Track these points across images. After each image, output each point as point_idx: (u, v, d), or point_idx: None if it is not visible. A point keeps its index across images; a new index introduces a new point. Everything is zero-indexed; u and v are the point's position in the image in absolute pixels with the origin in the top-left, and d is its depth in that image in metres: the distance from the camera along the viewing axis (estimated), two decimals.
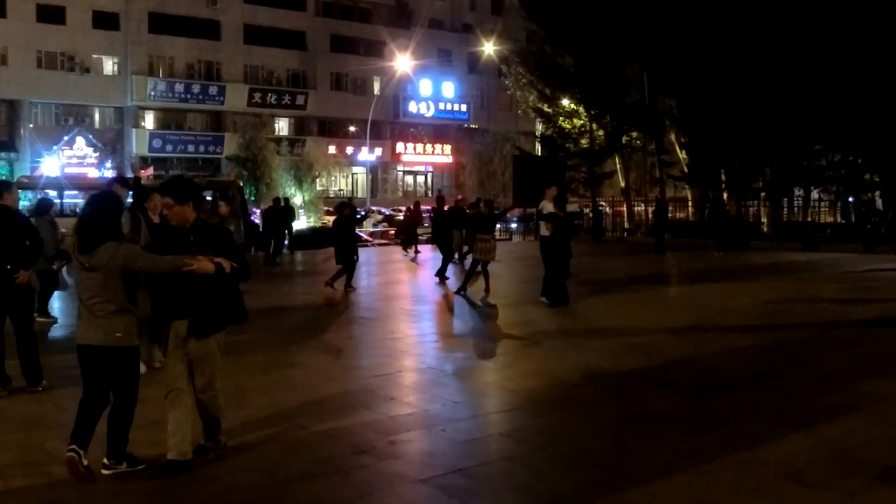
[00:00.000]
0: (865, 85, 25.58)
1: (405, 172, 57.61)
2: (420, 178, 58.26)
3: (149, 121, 47.43)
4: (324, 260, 18.93)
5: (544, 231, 12.11)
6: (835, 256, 20.89)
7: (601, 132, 35.34)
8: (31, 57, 42.61)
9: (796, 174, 30.32)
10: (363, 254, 24.18)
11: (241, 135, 44.64)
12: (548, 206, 12.04)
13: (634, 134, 35.51)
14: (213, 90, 47.59)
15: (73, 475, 4.42)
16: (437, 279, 15.13)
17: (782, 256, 21.24)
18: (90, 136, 42.30)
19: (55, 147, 40.85)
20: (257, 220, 28.97)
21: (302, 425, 5.70)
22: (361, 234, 28.35)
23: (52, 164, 38.40)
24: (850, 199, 29.03)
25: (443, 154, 56.66)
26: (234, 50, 48.59)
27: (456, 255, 18.50)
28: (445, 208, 18.36)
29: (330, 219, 21.37)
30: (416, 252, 22.44)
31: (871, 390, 6.67)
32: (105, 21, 44.53)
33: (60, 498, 4.34)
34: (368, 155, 47.46)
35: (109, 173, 39.25)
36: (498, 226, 19.78)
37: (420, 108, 54.53)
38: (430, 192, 51.41)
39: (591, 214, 31.98)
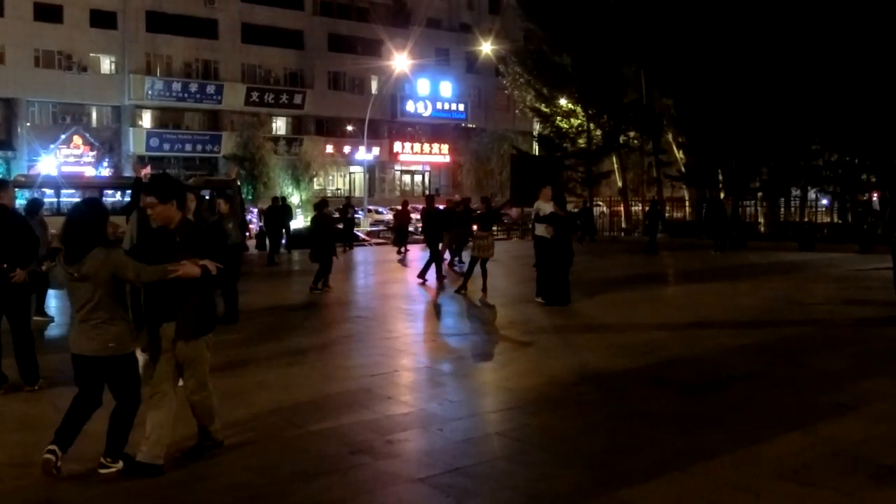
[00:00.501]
0: (863, 85, 25.61)
1: (403, 172, 57.62)
2: (417, 178, 58.26)
3: (146, 120, 47.39)
4: None
5: (542, 232, 12.06)
6: (831, 256, 20.92)
7: (598, 132, 35.37)
8: (28, 55, 42.55)
9: (793, 174, 30.35)
10: (360, 253, 24.25)
11: (239, 134, 44.72)
12: (545, 207, 12.01)
13: (632, 133, 35.53)
14: (210, 89, 47.55)
15: (45, 474, 4.42)
16: (419, 280, 15.02)
17: (779, 256, 21.27)
18: (87, 135, 42.25)
19: (52, 146, 40.80)
20: (254, 219, 29.03)
21: (299, 424, 5.69)
22: (359, 234, 28.37)
23: (49, 163, 38.36)
24: (825, 202, 29.13)
25: (440, 153, 56.68)
26: (231, 49, 48.57)
27: (448, 257, 18.50)
28: (443, 207, 18.39)
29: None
30: (405, 251, 22.49)
31: (869, 389, 6.67)
32: (102, 20, 44.48)
33: (57, 497, 4.34)
34: (366, 154, 47.43)
35: (106, 172, 39.29)
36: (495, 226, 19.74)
37: (417, 108, 54.54)
38: (427, 192, 51.39)
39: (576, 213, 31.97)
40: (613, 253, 23.29)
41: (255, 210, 31.01)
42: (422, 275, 15.14)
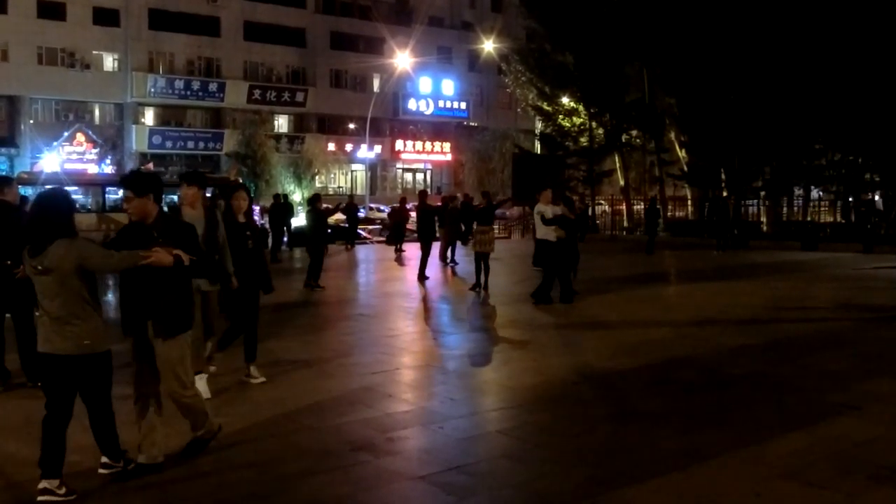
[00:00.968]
0: (865, 84, 25.58)
1: (404, 170, 57.58)
2: (419, 176, 58.23)
3: (149, 117, 47.40)
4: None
5: (545, 235, 11.99)
6: (834, 256, 20.90)
7: (601, 130, 35.36)
8: (31, 53, 42.56)
9: (796, 173, 30.33)
10: (361, 251, 24.24)
11: (241, 132, 44.74)
12: (547, 210, 11.95)
13: (634, 132, 35.53)
14: (212, 87, 47.55)
15: None
16: (419, 282, 14.99)
17: (782, 256, 21.25)
18: (90, 133, 42.23)
19: (55, 143, 40.79)
20: (255, 217, 29.02)
21: (300, 421, 5.70)
22: (361, 232, 28.35)
23: (52, 160, 38.34)
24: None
25: (442, 152, 56.64)
26: (233, 47, 48.55)
27: (449, 255, 18.50)
28: (441, 204, 18.38)
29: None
30: (402, 250, 22.53)
31: (872, 390, 6.67)
32: (105, 17, 44.47)
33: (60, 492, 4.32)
34: (368, 152, 47.38)
35: (109, 169, 39.29)
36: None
37: (419, 106, 54.49)
38: (429, 190, 51.37)
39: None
40: (613, 252, 23.27)
41: (258, 208, 31.01)
42: (421, 275, 15.15)
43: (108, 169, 39.88)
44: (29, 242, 4.29)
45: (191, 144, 47.29)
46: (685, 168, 34.04)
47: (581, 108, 35.27)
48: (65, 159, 39.41)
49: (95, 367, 4.33)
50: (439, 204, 18.60)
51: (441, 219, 17.92)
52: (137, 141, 45.46)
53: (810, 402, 6.31)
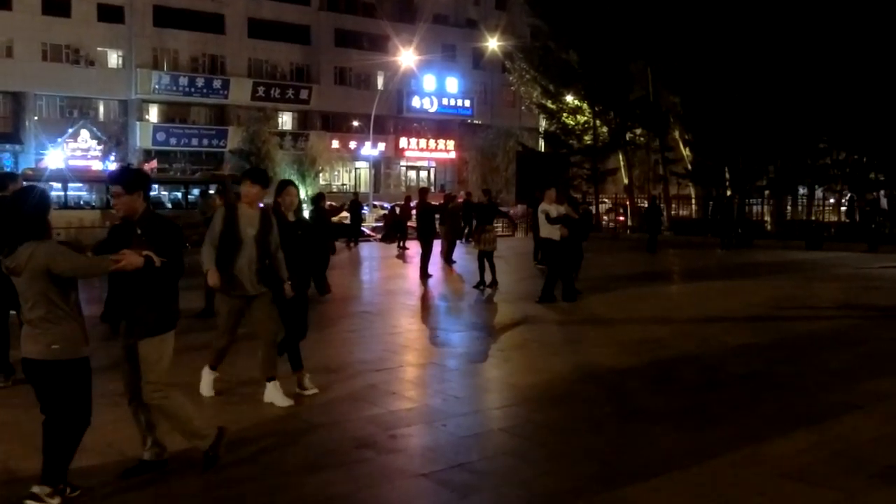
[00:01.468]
0: (870, 83, 25.51)
1: (408, 168, 57.57)
2: (423, 174, 58.22)
3: (153, 114, 47.44)
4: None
5: (549, 234, 12.00)
6: (839, 255, 20.86)
7: (605, 129, 35.30)
8: (36, 49, 42.62)
9: (800, 172, 30.26)
10: (364, 249, 24.25)
11: (245, 129, 44.77)
12: (552, 209, 11.94)
13: (638, 131, 35.46)
14: (217, 84, 47.57)
15: None
16: (421, 280, 15.02)
17: (786, 255, 21.21)
18: (94, 129, 42.27)
19: (60, 139, 40.86)
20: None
21: (304, 418, 5.71)
22: (365, 230, 28.36)
23: (56, 157, 38.41)
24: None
25: (446, 150, 56.61)
26: (238, 44, 48.57)
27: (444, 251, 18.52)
28: (445, 202, 18.40)
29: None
30: (404, 248, 22.55)
31: (875, 389, 6.66)
32: (110, 14, 44.52)
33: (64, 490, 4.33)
34: (371, 150, 47.44)
35: (113, 166, 39.35)
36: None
37: (423, 104, 54.46)
38: (433, 188, 51.36)
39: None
40: (617, 251, 23.24)
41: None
42: (423, 272, 15.16)
43: (113, 166, 39.93)
44: (3, 242, 4.15)
45: (195, 141, 47.34)
46: (689, 167, 33.98)
47: (585, 106, 35.21)
48: (69, 156, 39.47)
49: (62, 375, 4.08)
50: (441, 202, 18.63)
51: (441, 217, 17.93)
52: (141, 138, 45.52)
53: (814, 401, 6.30)
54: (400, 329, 9.84)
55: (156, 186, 26.99)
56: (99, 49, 44.79)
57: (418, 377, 7.40)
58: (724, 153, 30.29)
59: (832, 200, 33.57)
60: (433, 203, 17.80)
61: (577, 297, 11.97)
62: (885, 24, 24.94)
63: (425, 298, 13.07)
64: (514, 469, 4.78)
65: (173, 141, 46.49)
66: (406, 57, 43.19)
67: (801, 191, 32.36)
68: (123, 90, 45.36)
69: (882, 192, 29.94)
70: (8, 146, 42.37)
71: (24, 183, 7.15)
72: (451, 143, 56.28)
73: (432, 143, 56.17)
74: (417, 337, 9.43)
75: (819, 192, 32.26)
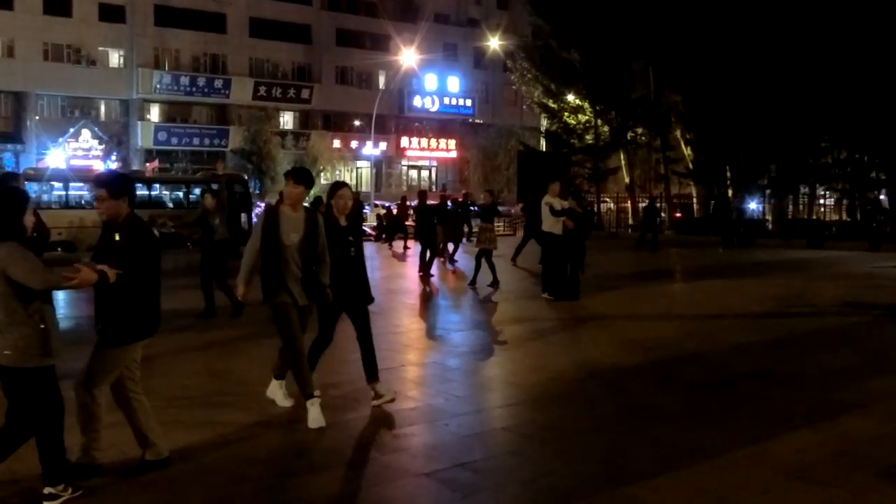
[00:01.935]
0: (871, 82, 25.49)
1: (409, 167, 57.58)
2: (424, 173, 58.23)
3: (154, 113, 47.47)
4: None
5: (550, 227, 12.02)
6: (840, 254, 20.84)
7: (606, 128, 35.30)
8: (37, 49, 42.65)
9: (802, 171, 30.25)
10: (366, 248, 24.19)
11: (246, 128, 44.81)
12: (556, 202, 11.96)
13: (639, 130, 35.47)
14: (218, 83, 47.59)
15: None
16: (420, 274, 15.10)
17: (787, 254, 21.20)
18: (96, 129, 42.31)
19: (61, 139, 40.89)
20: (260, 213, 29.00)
21: (305, 419, 5.70)
22: (365, 229, 28.34)
23: (57, 156, 38.45)
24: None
25: (447, 149, 56.62)
26: (239, 43, 48.58)
27: (448, 252, 18.50)
28: (439, 203, 18.41)
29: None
30: (406, 248, 22.60)
31: (878, 388, 6.65)
32: (111, 14, 44.55)
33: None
34: (373, 149, 47.45)
35: (114, 166, 39.37)
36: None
37: (425, 103, 54.46)
38: (434, 187, 51.38)
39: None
40: (618, 249, 23.22)
41: (263, 204, 31.02)
42: (425, 272, 15.16)
43: (114, 165, 39.96)
44: None
45: (196, 141, 47.37)
46: (690, 166, 33.98)
47: (587, 105, 35.21)
48: (70, 155, 39.50)
49: (17, 383, 4.00)
50: (439, 202, 18.64)
51: (440, 217, 17.91)
52: (143, 137, 45.56)
53: (816, 399, 6.30)
54: (401, 328, 9.84)
55: (157, 186, 27.05)
56: (100, 49, 44.82)
57: (420, 376, 7.40)
58: (725, 152, 30.29)
59: (832, 200, 33.54)
60: (432, 204, 17.82)
61: (578, 295, 11.96)
62: (885, 23, 24.91)
63: (426, 298, 13.06)
64: (516, 468, 4.78)
65: (175, 140, 46.52)
66: (407, 56, 43.19)
67: (803, 189, 32.35)
68: (125, 90, 45.39)
69: (883, 191, 29.94)
70: (9, 146, 42.40)
71: (26, 183, 7.12)
72: (452, 143, 56.29)
73: (434, 142, 56.17)
74: (419, 336, 9.43)
75: (820, 191, 32.26)
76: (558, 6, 33.25)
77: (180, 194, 26.63)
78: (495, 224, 14.85)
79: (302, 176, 5.68)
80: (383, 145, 52.14)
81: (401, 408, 6.03)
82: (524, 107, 46.08)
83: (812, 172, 30.38)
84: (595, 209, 32.57)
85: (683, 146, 34.53)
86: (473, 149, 53.28)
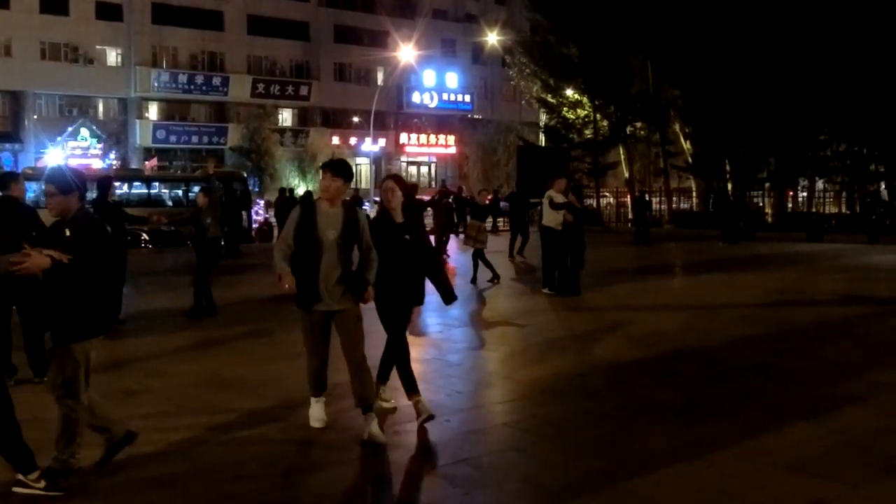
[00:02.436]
0: (870, 75, 25.46)
1: (409, 163, 57.52)
2: (424, 169, 58.20)
3: (152, 112, 47.41)
4: None
5: (550, 222, 12.01)
6: (840, 247, 20.84)
7: (605, 122, 35.25)
8: (34, 48, 42.59)
9: (801, 164, 30.24)
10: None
11: (245, 126, 44.77)
12: (559, 197, 11.95)
13: (638, 124, 35.42)
14: (216, 81, 47.54)
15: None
16: None
17: (787, 247, 21.20)
18: (94, 128, 42.28)
19: (59, 138, 40.86)
20: (260, 210, 29.08)
21: (306, 415, 5.70)
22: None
23: (56, 155, 38.42)
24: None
25: (446, 145, 56.56)
26: (237, 41, 48.51)
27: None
28: (431, 198, 18.40)
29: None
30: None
31: (878, 381, 6.65)
32: (108, 12, 44.47)
33: (67, 485, 4.34)
34: (372, 146, 47.40)
35: (113, 164, 39.36)
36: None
37: (423, 99, 54.40)
38: (433, 183, 51.33)
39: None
40: (616, 244, 23.20)
41: (262, 202, 31.06)
42: None
43: (113, 164, 39.96)
44: None
45: (195, 139, 47.33)
46: (690, 160, 33.95)
47: (585, 100, 35.16)
48: (69, 154, 39.48)
49: None
50: (431, 197, 18.65)
51: (434, 213, 17.89)
52: (141, 136, 45.53)
53: (816, 393, 6.30)
54: None
55: (156, 184, 27.05)
56: (98, 47, 44.75)
57: (421, 372, 7.38)
58: (724, 146, 30.25)
59: (832, 193, 33.54)
60: (421, 198, 17.79)
61: (579, 290, 11.96)
62: (884, 16, 24.88)
63: (426, 294, 13.03)
64: (518, 464, 4.79)
65: (173, 139, 46.48)
66: (406, 52, 43.11)
67: (802, 182, 32.33)
68: (123, 88, 45.33)
69: (882, 184, 29.92)
70: (7, 145, 42.36)
71: (26, 182, 7.11)
72: (451, 139, 56.24)
73: (433, 138, 56.12)
74: (419, 332, 9.42)
75: (820, 184, 32.23)
76: (556, 1, 33.20)
77: (179, 192, 26.64)
78: (484, 222, 14.75)
79: (340, 169, 5.21)
80: (382, 142, 52.09)
81: (402, 404, 6.03)
82: (523, 102, 46.01)
83: (811, 165, 30.36)
84: (591, 205, 32.62)
85: (682, 140, 34.51)
86: (472, 144, 53.24)
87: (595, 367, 7.25)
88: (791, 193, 33.11)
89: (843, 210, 30.57)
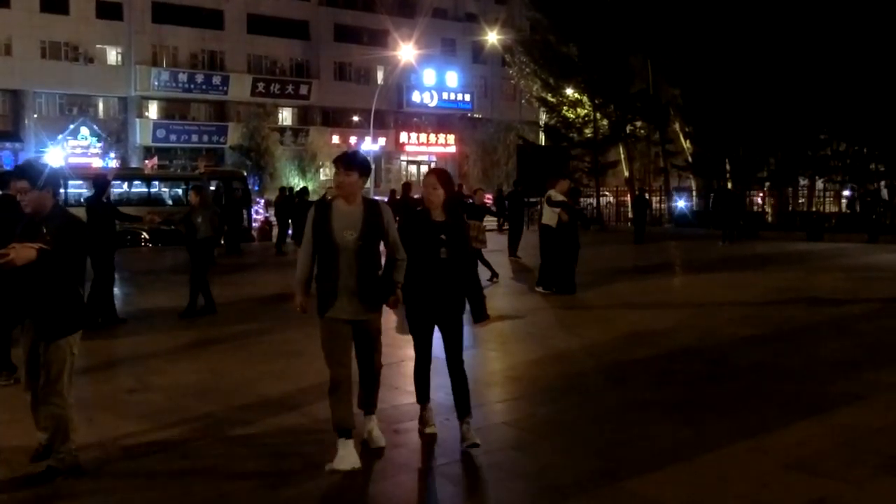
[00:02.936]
0: (870, 74, 25.45)
1: (409, 162, 57.54)
2: (423, 168, 58.18)
3: (152, 111, 47.42)
4: None
5: (548, 220, 12.04)
6: (840, 246, 20.83)
7: (605, 121, 35.25)
8: (34, 47, 42.59)
9: (801, 163, 30.22)
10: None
11: (245, 125, 44.79)
12: (557, 195, 11.97)
13: (638, 123, 35.41)
14: (216, 80, 47.54)
15: None
16: None
17: (787, 246, 21.19)
18: (94, 126, 42.28)
19: (59, 137, 40.87)
20: (260, 209, 29.10)
21: (306, 413, 5.70)
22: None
23: (56, 154, 38.43)
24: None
25: (446, 144, 56.57)
26: (237, 40, 48.51)
27: None
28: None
29: None
30: None
31: (879, 379, 6.65)
32: (108, 11, 44.48)
33: (67, 484, 4.33)
34: (372, 145, 47.39)
35: (114, 163, 39.37)
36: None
37: (423, 98, 54.40)
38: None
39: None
40: (615, 243, 23.20)
41: (262, 201, 31.06)
42: None
43: (113, 163, 39.98)
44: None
45: (195, 138, 47.34)
46: (690, 159, 33.94)
47: (585, 99, 35.16)
48: (69, 153, 39.48)
49: None
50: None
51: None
52: (141, 135, 45.53)
53: (816, 391, 6.30)
54: (401, 323, 9.81)
55: (156, 183, 27.03)
56: (98, 46, 44.76)
57: None
58: (724, 145, 30.24)
59: (832, 192, 33.51)
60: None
61: (574, 289, 11.94)
62: (884, 15, 24.86)
63: None
64: (518, 462, 4.78)
65: (173, 138, 46.49)
66: (406, 51, 43.09)
67: (802, 182, 32.31)
68: (123, 87, 45.33)
69: (883, 183, 29.89)
70: (8, 144, 42.38)
71: None
72: (451, 138, 56.24)
73: (433, 137, 56.13)
74: None
75: (820, 184, 32.20)
76: (556, 0, 33.19)
77: (179, 191, 26.63)
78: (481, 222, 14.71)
79: (353, 161, 4.66)
80: (382, 141, 52.09)
81: (401, 402, 6.03)
82: (523, 101, 46.01)
83: (811, 164, 30.34)
84: (591, 205, 32.67)
85: (682, 139, 34.49)
86: (472, 143, 53.24)
87: (594, 365, 7.25)
88: (791, 192, 33.13)
89: (844, 209, 30.57)
